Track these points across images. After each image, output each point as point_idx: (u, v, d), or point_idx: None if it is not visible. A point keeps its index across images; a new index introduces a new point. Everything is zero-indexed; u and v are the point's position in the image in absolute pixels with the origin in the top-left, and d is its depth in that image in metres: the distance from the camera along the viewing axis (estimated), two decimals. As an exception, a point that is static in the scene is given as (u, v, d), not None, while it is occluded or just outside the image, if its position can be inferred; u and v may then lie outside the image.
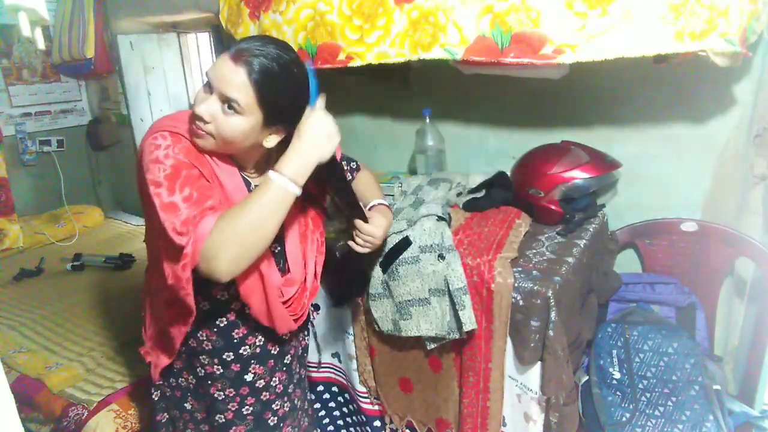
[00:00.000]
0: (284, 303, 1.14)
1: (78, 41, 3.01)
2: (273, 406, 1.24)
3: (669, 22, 1.20)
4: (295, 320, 1.17)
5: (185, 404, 1.22)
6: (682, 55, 1.27)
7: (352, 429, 1.75)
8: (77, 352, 1.91)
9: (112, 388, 1.70)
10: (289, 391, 1.29)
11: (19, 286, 2.54)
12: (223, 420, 1.20)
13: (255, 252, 0.97)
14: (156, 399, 1.26)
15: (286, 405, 1.27)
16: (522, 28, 1.32)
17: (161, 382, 1.24)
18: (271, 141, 1.05)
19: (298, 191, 0.98)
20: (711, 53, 1.21)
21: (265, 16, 1.72)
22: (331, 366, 1.72)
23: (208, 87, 0.98)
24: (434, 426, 1.50)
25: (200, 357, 1.16)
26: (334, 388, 1.74)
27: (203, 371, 1.17)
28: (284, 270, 1.17)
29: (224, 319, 1.13)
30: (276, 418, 1.25)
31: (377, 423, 1.63)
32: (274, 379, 1.23)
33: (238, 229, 0.93)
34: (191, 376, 1.20)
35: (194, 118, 0.99)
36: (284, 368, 1.26)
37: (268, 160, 1.13)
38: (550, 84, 1.61)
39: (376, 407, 1.62)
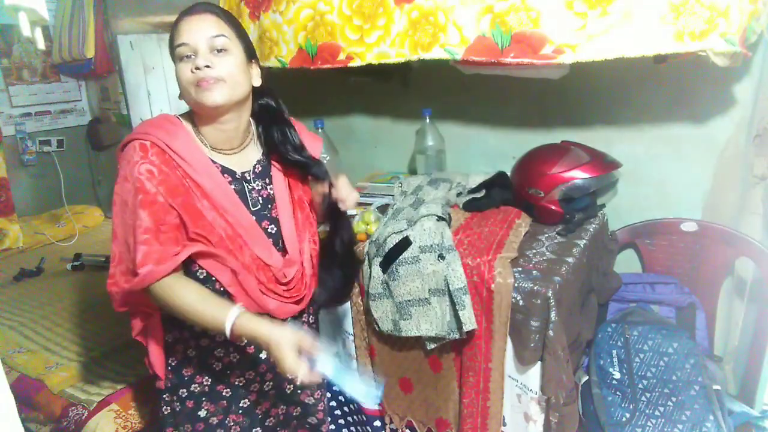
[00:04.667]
0: (286, 284, 1.16)
1: (78, 41, 3.01)
2: (289, 375, 1.26)
3: (669, 22, 1.20)
4: (297, 302, 1.19)
5: (199, 413, 1.21)
6: (682, 55, 1.27)
7: (352, 429, 1.75)
8: (77, 352, 1.91)
9: (112, 388, 1.70)
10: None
11: (19, 286, 2.54)
12: (248, 404, 1.22)
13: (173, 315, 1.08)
14: (167, 413, 1.25)
15: None
16: (522, 28, 1.32)
17: (170, 397, 1.23)
18: (256, 77, 1.15)
19: (225, 333, 1.02)
20: (711, 53, 1.21)
21: (265, 16, 1.72)
22: (331, 366, 1.72)
23: (188, 53, 1.05)
24: (434, 426, 1.50)
25: (215, 352, 1.17)
26: (334, 388, 1.74)
27: (220, 365, 1.18)
28: (282, 250, 1.20)
29: None
30: (293, 386, 1.29)
31: (377, 423, 1.63)
32: None
33: (177, 310, 1.04)
34: (206, 377, 1.19)
35: (195, 76, 1.04)
36: None
37: (245, 135, 1.19)
38: (550, 84, 1.61)
39: (376, 407, 1.62)
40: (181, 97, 1.10)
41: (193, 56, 1.05)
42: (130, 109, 3.21)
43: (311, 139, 1.30)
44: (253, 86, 1.15)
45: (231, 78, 1.06)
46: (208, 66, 1.04)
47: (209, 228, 1.08)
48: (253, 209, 1.16)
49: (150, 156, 1.04)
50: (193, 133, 1.13)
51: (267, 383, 1.23)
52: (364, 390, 1.02)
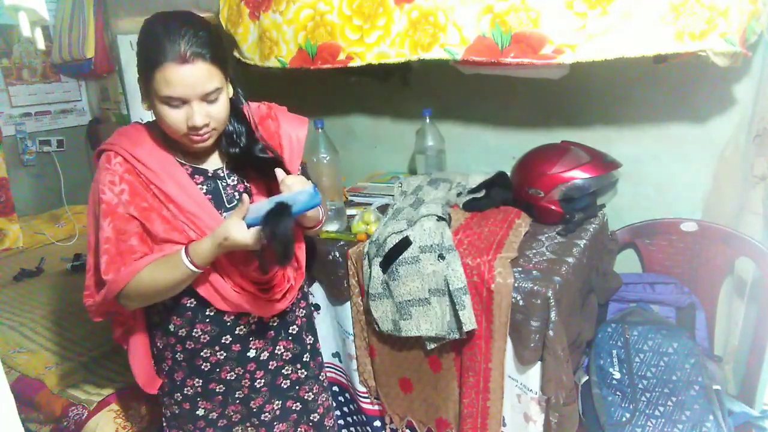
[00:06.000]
0: (265, 282, 1.15)
1: (78, 41, 3.01)
2: (283, 371, 1.27)
3: (669, 22, 1.20)
4: (279, 300, 1.18)
5: (197, 412, 1.22)
6: (682, 55, 1.27)
7: (352, 429, 1.75)
8: (77, 352, 1.91)
9: (112, 388, 1.70)
10: (305, 360, 1.30)
11: (19, 286, 2.53)
12: (242, 395, 1.23)
13: (162, 299, 1.11)
14: (168, 416, 1.27)
15: (300, 372, 1.30)
16: (522, 28, 1.32)
17: (168, 401, 1.25)
18: (231, 89, 1.10)
19: (198, 272, 1.05)
20: (711, 53, 1.21)
21: (265, 16, 1.72)
22: (331, 366, 1.72)
23: (177, 102, 0.99)
24: (434, 426, 1.50)
25: (201, 353, 1.17)
26: (335, 388, 1.74)
27: (208, 365, 1.18)
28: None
29: (212, 307, 1.15)
30: (289, 381, 1.28)
31: (377, 423, 1.63)
32: (278, 347, 1.25)
33: (150, 291, 1.06)
34: (197, 379, 1.20)
35: (189, 131, 1.01)
36: (290, 338, 1.27)
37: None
38: (550, 84, 1.61)
39: (376, 407, 1.62)
40: (147, 108, 1.06)
41: (181, 104, 1.00)
42: (130, 109, 3.20)
43: (294, 123, 1.23)
44: None
45: (222, 122, 1.06)
46: (206, 124, 1.01)
47: (177, 233, 1.08)
48: (228, 206, 1.14)
49: (113, 165, 1.05)
50: (159, 139, 1.11)
51: (258, 380, 1.23)
52: (305, 197, 1.00)
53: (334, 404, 1.76)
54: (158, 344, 1.21)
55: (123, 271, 1.03)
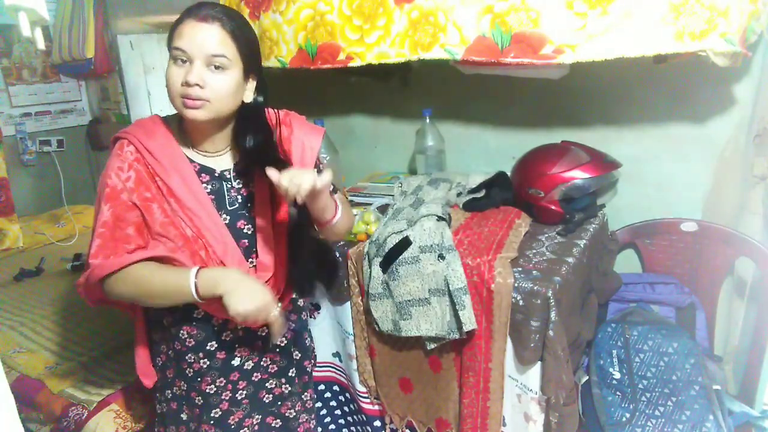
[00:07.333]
0: None
1: (78, 41, 3.01)
2: (267, 384, 1.24)
3: (669, 22, 1.20)
4: None
5: (181, 415, 1.22)
6: (682, 55, 1.27)
7: (352, 428, 1.75)
8: (77, 352, 1.91)
9: (112, 388, 1.70)
10: (290, 375, 1.28)
11: (19, 286, 2.53)
12: (220, 413, 1.19)
13: (141, 304, 1.13)
14: (159, 413, 1.27)
15: (284, 387, 1.27)
16: (522, 28, 1.32)
17: (161, 396, 1.24)
18: (249, 93, 1.10)
19: (197, 299, 1.02)
20: (711, 53, 1.21)
21: (265, 16, 1.72)
22: (331, 365, 1.72)
23: (183, 58, 1.01)
24: (434, 426, 1.50)
25: (186, 357, 1.16)
26: (335, 388, 1.74)
27: (191, 371, 1.17)
28: (256, 253, 1.17)
29: (200, 309, 1.13)
30: (271, 396, 1.25)
31: (377, 423, 1.63)
32: (264, 359, 1.23)
33: (138, 290, 1.04)
34: (182, 382, 1.19)
35: (183, 90, 1.01)
36: (277, 350, 1.25)
37: (227, 135, 1.14)
38: (550, 84, 1.61)
39: (376, 407, 1.62)
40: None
41: (187, 63, 1.01)
42: (130, 109, 3.21)
43: (309, 131, 1.24)
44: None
45: (219, 99, 1.03)
46: (198, 85, 1.00)
47: (173, 228, 1.07)
48: (229, 208, 1.13)
49: (125, 153, 1.06)
50: (174, 133, 1.12)
51: (240, 392, 1.20)
52: None
53: (335, 404, 1.76)
54: (155, 337, 1.21)
55: (112, 259, 1.02)
